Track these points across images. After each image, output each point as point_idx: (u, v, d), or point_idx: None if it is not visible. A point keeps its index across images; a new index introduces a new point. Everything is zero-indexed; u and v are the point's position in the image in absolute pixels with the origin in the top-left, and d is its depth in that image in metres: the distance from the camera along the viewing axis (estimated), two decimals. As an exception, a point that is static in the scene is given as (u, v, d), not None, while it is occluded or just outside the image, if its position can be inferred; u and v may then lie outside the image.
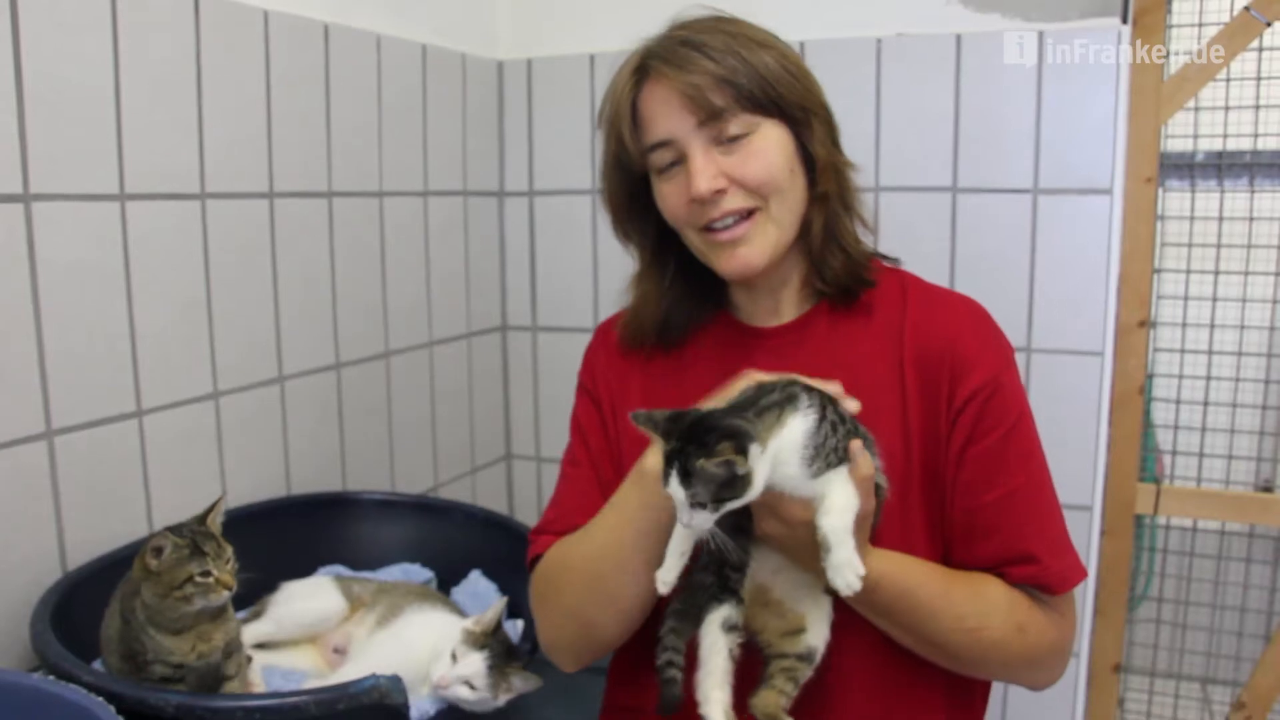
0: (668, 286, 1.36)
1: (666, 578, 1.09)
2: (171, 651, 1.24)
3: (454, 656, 1.36)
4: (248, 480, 1.71)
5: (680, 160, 1.22)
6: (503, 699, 1.35)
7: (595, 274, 2.35)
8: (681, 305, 1.36)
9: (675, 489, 1.00)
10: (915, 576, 1.16)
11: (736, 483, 0.99)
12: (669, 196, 1.25)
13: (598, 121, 1.31)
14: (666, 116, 1.21)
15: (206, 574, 1.22)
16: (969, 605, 1.18)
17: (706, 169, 1.19)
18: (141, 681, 1.24)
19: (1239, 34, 1.86)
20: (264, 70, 1.70)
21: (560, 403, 2.41)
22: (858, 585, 1.00)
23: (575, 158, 2.32)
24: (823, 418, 1.04)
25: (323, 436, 1.90)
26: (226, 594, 1.25)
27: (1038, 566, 1.19)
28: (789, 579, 1.16)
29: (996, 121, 1.98)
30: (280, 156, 1.74)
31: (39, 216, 1.36)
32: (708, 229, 1.23)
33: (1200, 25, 1.92)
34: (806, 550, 1.08)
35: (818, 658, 1.15)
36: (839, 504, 1.03)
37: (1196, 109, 2.02)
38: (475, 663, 1.35)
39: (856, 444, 1.05)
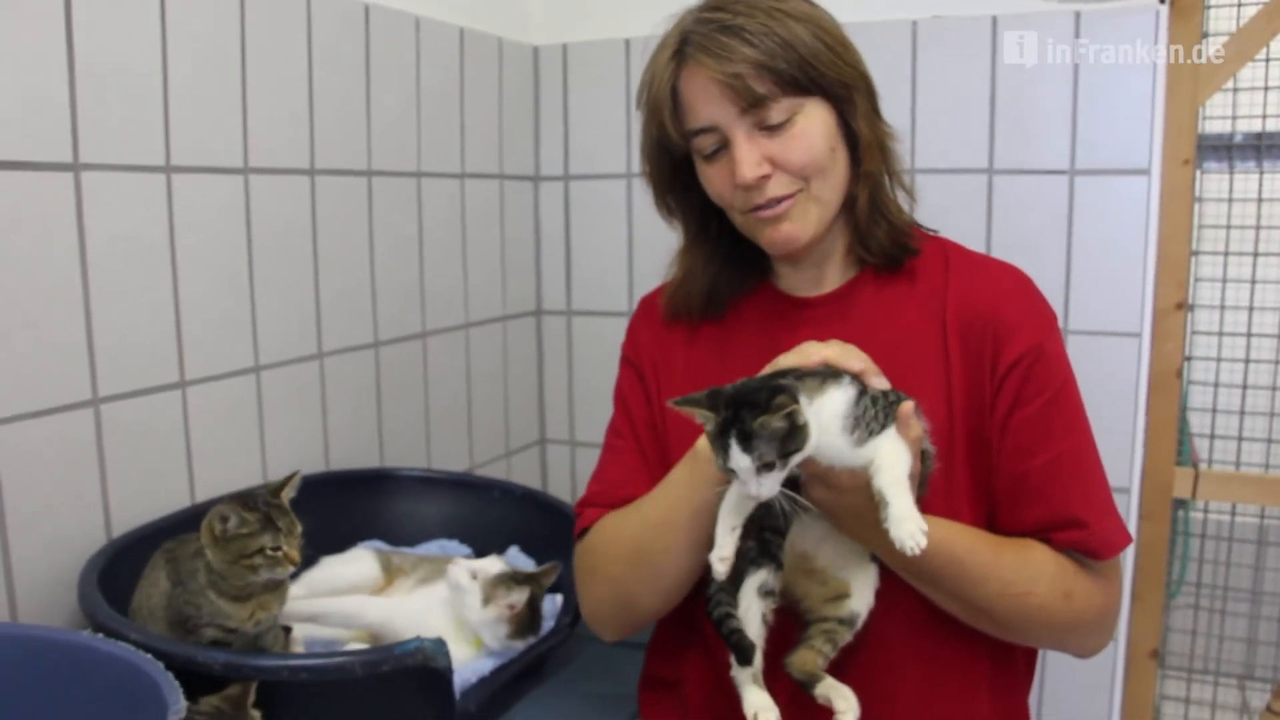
0: (712, 258, 1.36)
1: (724, 554, 1.07)
2: (230, 616, 1.25)
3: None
4: (287, 455, 1.72)
5: (723, 145, 1.23)
6: (491, 611, 1.40)
7: (630, 258, 2.35)
8: (726, 276, 1.37)
9: (738, 457, 0.99)
10: (962, 542, 1.15)
11: (798, 434, 0.99)
12: (713, 179, 1.26)
13: (637, 102, 1.31)
14: (708, 103, 1.21)
15: (277, 548, 1.24)
16: (1016, 571, 1.17)
17: (750, 156, 1.20)
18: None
19: (1278, 14, 1.85)
20: (306, 48, 1.72)
21: (595, 387, 2.43)
22: (923, 540, 0.98)
23: (610, 142, 2.32)
24: (863, 392, 1.05)
25: (361, 414, 1.91)
26: (291, 569, 1.27)
27: (1085, 531, 1.19)
28: (833, 547, 1.16)
29: (1032, 103, 1.97)
30: (321, 134, 1.76)
31: (88, 185, 1.37)
32: (752, 209, 1.24)
33: (1239, 5, 1.91)
34: (855, 516, 1.09)
35: (859, 623, 1.16)
36: (889, 461, 1.03)
37: (1235, 89, 2.00)
38: (493, 565, 1.45)
39: (909, 406, 1.06)
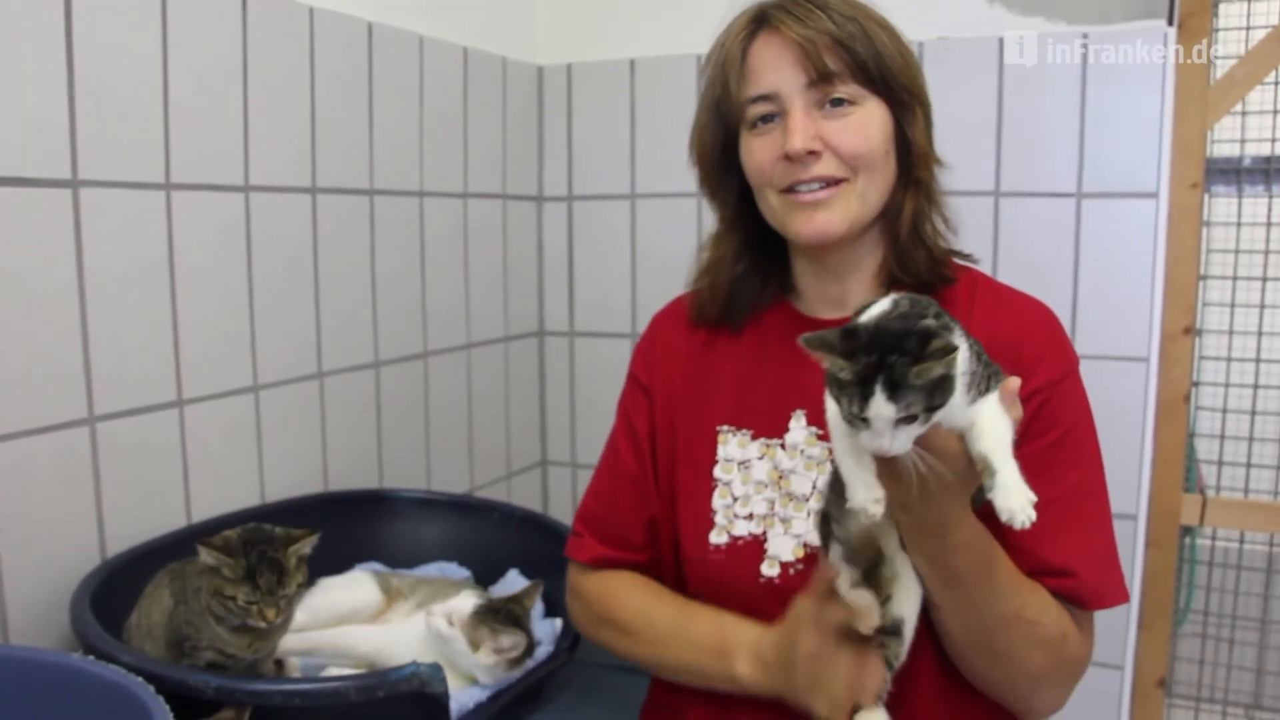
0: (743, 251, 1.34)
1: (877, 495, 0.99)
2: (229, 643, 1.23)
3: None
4: (286, 475, 1.70)
5: (777, 116, 1.22)
6: (484, 656, 1.37)
7: (633, 279, 2.34)
8: (749, 279, 1.35)
9: (882, 407, 0.91)
10: (997, 550, 1.10)
11: (946, 385, 0.92)
12: (758, 152, 1.24)
13: (701, 68, 1.31)
14: (776, 70, 1.20)
15: (252, 603, 1.21)
16: (1031, 596, 1.13)
17: (806, 128, 1.19)
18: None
19: (1288, 37, 1.84)
20: (309, 66, 1.71)
21: (597, 409, 2.42)
22: (1032, 513, 0.92)
23: (614, 163, 2.32)
24: (971, 345, 0.98)
25: (361, 435, 1.89)
26: (265, 625, 1.23)
27: (1074, 580, 1.15)
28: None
29: (1040, 125, 1.97)
30: (323, 152, 1.75)
31: (86, 202, 1.36)
32: (790, 190, 1.22)
33: (1249, 28, 1.90)
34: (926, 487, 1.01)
35: (906, 631, 1.10)
36: (993, 425, 0.96)
37: (1244, 113, 1.99)
38: (465, 602, 1.40)
39: (1014, 382, 0.99)
